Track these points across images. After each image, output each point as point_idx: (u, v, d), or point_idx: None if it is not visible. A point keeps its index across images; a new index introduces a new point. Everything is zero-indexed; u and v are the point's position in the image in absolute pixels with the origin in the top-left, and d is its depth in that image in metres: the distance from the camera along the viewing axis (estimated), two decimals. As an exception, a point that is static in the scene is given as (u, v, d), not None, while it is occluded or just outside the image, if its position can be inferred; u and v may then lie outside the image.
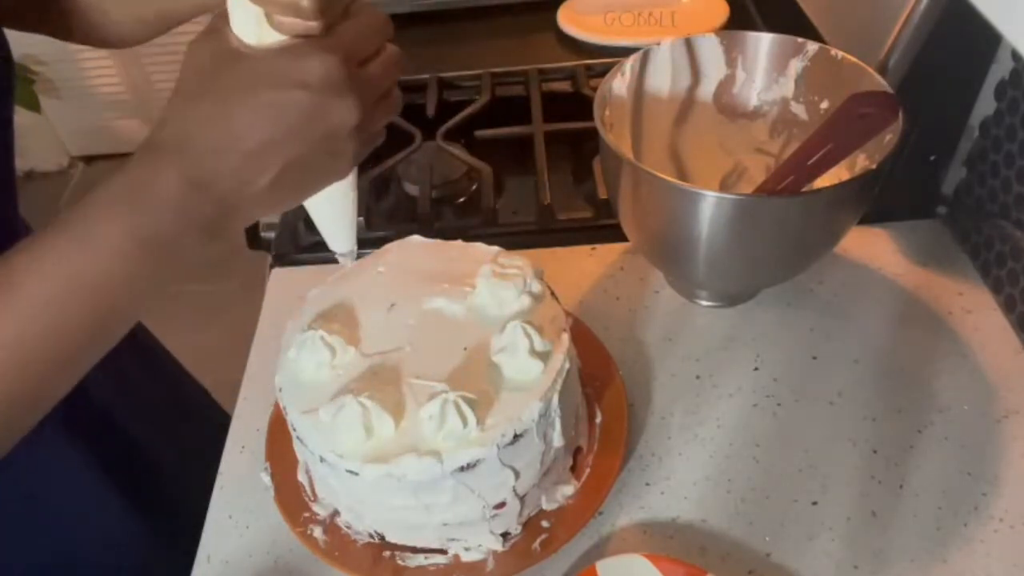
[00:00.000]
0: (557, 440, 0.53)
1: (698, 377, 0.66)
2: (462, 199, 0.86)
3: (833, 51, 0.66)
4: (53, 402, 0.40)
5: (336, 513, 0.56)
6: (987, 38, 0.65)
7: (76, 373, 0.40)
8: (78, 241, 0.36)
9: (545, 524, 0.55)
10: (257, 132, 0.37)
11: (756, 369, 0.66)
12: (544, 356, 0.52)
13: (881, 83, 0.62)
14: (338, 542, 0.55)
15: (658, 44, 0.70)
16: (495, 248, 0.59)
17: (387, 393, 0.50)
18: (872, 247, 0.75)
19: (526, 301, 0.55)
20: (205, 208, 0.37)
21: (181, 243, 0.38)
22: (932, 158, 0.73)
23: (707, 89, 0.72)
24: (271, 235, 0.84)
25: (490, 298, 0.55)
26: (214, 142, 0.37)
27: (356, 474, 0.48)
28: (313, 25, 0.37)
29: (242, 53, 0.37)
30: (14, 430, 0.39)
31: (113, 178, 0.37)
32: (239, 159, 0.37)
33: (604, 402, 0.61)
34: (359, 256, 0.60)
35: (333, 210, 0.47)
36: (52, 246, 0.37)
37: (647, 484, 0.59)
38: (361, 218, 0.78)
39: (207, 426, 0.74)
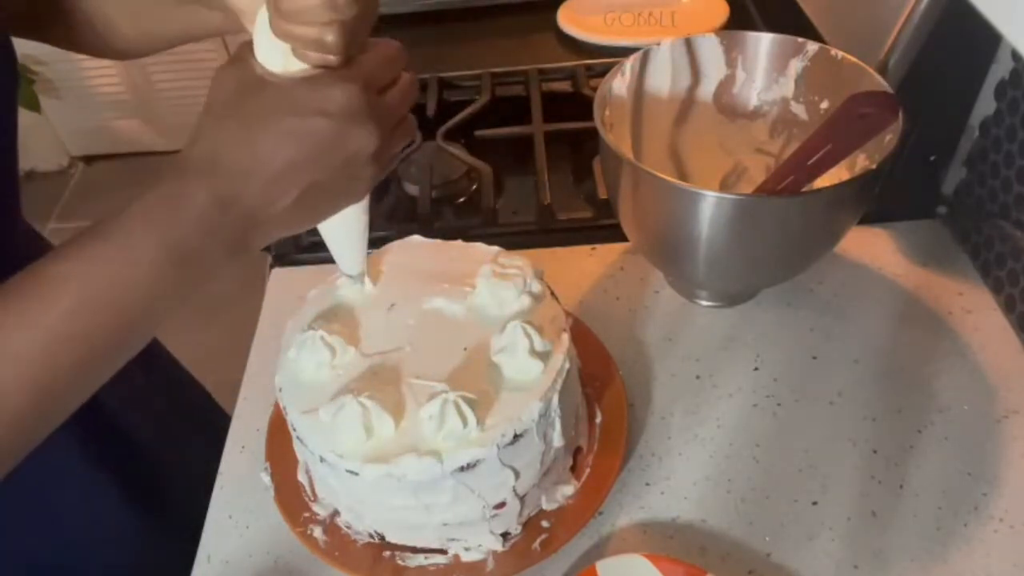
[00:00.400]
0: (557, 440, 0.53)
1: (698, 377, 0.66)
2: (462, 199, 0.86)
3: (833, 51, 0.66)
4: (68, 412, 0.41)
5: (336, 513, 0.56)
6: (987, 38, 0.65)
7: (95, 382, 0.41)
8: (115, 249, 0.38)
9: (545, 524, 0.55)
10: (280, 156, 0.39)
11: (756, 369, 0.66)
12: (544, 356, 0.52)
13: (881, 83, 0.62)
14: (338, 542, 0.55)
15: (658, 44, 0.70)
16: (495, 248, 0.59)
17: (387, 393, 0.50)
18: (872, 247, 0.75)
19: (526, 301, 0.55)
20: (230, 225, 0.39)
21: (207, 257, 0.39)
22: (932, 158, 0.73)
23: (707, 89, 0.72)
24: (271, 235, 0.84)
25: (490, 298, 0.55)
26: (241, 164, 0.39)
27: (356, 474, 0.48)
28: (333, 58, 0.39)
29: (267, 81, 0.40)
30: (33, 437, 0.40)
31: (146, 193, 0.39)
32: (263, 181, 0.39)
33: (604, 402, 0.61)
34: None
35: (345, 233, 0.49)
36: (90, 253, 0.38)
37: (647, 484, 0.59)
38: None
39: (207, 426, 0.74)
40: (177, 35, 0.59)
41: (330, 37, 0.38)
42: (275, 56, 0.40)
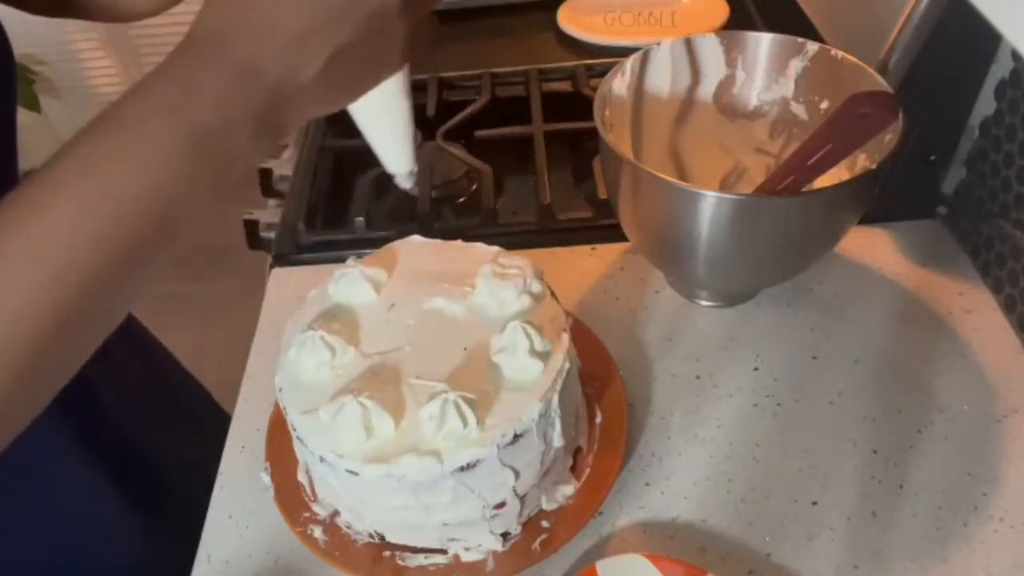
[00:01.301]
0: (557, 440, 0.53)
1: (698, 377, 0.66)
2: (462, 199, 0.87)
3: (833, 51, 0.66)
4: (104, 324, 0.37)
5: (336, 513, 0.56)
6: (987, 38, 0.65)
7: (130, 288, 0.36)
8: (125, 140, 0.34)
9: (545, 524, 0.55)
10: (298, 15, 0.35)
11: (756, 369, 0.66)
12: (544, 356, 0.52)
13: (881, 83, 0.62)
14: (338, 542, 0.55)
15: (658, 44, 0.70)
16: (495, 248, 0.59)
17: (387, 393, 0.50)
18: (872, 247, 0.75)
19: (526, 301, 0.55)
20: (254, 97, 0.36)
21: (231, 138, 0.36)
22: (932, 158, 0.73)
23: (707, 89, 0.72)
24: (271, 235, 0.84)
25: (490, 298, 0.55)
26: (256, 29, 0.36)
27: (356, 474, 0.48)
28: None
29: None
30: (66, 352, 0.36)
31: (155, 75, 0.35)
32: (282, 45, 0.36)
33: (604, 402, 0.61)
34: (359, 255, 0.60)
35: (388, 119, 0.45)
36: (97, 146, 0.34)
37: (647, 484, 0.59)
38: (361, 218, 0.78)
39: (207, 426, 0.74)
40: None
41: None
42: None
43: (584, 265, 0.76)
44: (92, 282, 0.34)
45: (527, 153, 0.85)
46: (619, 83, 0.68)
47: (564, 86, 0.97)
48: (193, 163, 0.35)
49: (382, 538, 0.55)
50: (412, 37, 0.39)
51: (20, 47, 0.56)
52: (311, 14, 0.35)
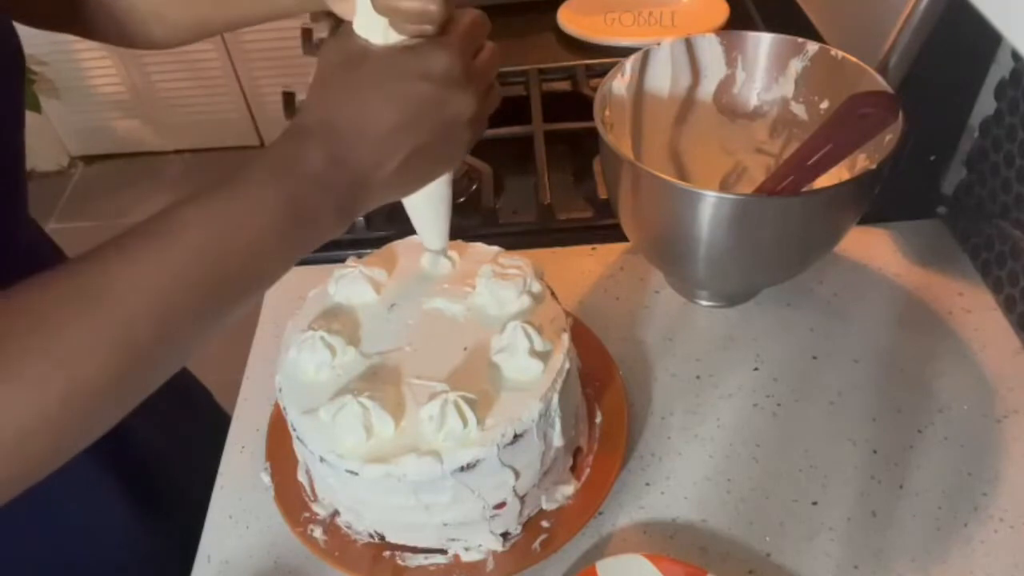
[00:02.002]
0: (557, 440, 0.53)
1: (698, 377, 0.66)
2: (462, 199, 0.86)
3: (833, 51, 0.66)
4: (172, 367, 0.40)
5: (336, 513, 0.56)
6: (987, 38, 0.65)
7: (206, 334, 0.40)
8: (240, 199, 0.39)
9: (545, 524, 0.55)
10: (387, 119, 0.41)
11: (756, 369, 0.66)
12: (544, 356, 0.52)
13: (881, 83, 0.62)
14: (338, 542, 0.55)
15: (658, 44, 0.70)
16: (495, 248, 0.59)
17: (387, 393, 0.50)
18: (872, 247, 0.75)
19: (526, 301, 0.55)
20: (343, 184, 0.41)
21: (320, 215, 0.40)
22: (932, 158, 0.73)
23: (707, 89, 0.72)
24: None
25: (490, 298, 0.55)
26: (352, 125, 0.41)
27: (356, 474, 0.48)
28: (431, 28, 0.41)
29: (370, 51, 0.42)
30: (152, 373, 0.39)
31: (263, 153, 0.40)
32: (372, 142, 0.41)
33: (604, 402, 0.61)
34: (359, 255, 0.60)
35: (433, 206, 0.50)
36: (213, 201, 0.38)
37: (647, 484, 0.59)
38: (361, 218, 0.78)
39: (207, 426, 0.74)
40: (237, 19, 0.59)
41: (433, 7, 0.39)
42: (375, 30, 0.41)
43: (584, 265, 0.76)
44: (177, 326, 0.38)
45: (527, 153, 0.85)
46: (619, 83, 0.68)
47: (564, 86, 0.97)
48: (287, 229, 0.39)
49: (382, 538, 0.55)
50: (474, 137, 0.44)
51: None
52: (399, 119, 0.41)
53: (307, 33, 0.92)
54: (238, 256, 0.39)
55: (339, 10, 0.47)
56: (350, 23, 0.43)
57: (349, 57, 0.42)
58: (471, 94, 0.42)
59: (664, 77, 0.71)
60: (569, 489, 0.56)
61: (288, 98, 0.91)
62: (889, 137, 0.59)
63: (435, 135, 0.42)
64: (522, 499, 0.53)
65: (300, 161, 0.40)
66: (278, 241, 0.40)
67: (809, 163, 0.59)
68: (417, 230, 0.52)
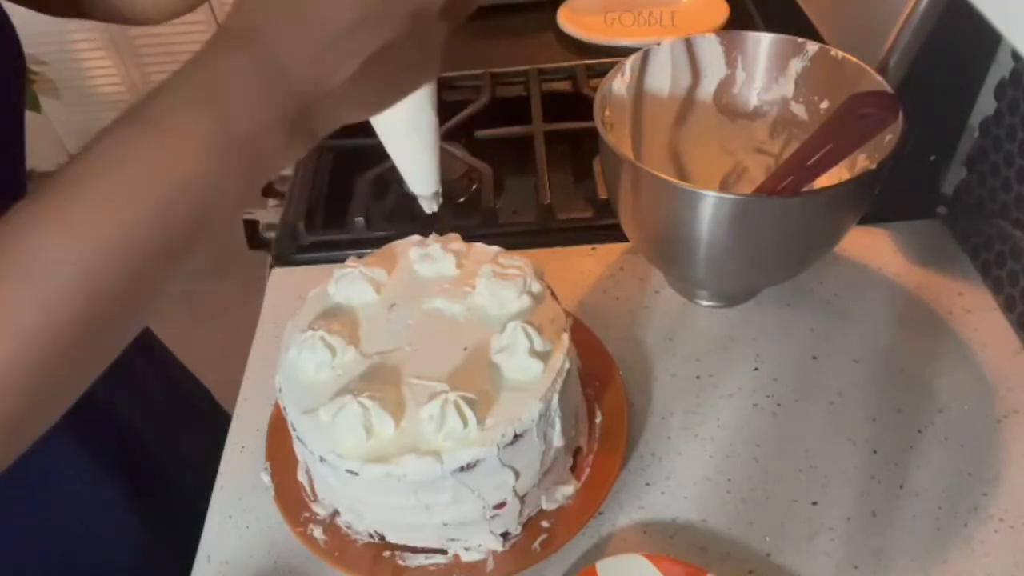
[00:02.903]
0: (557, 440, 0.53)
1: (698, 377, 0.66)
2: (462, 199, 0.86)
3: (833, 51, 0.66)
4: (123, 337, 0.36)
5: (336, 513, 0.56)
6: (987, 38, 0.65)
7: (144, 302, 0.35)
8: (155, 138, 0.33)
9: (545, 524, 0.55)
10: (336, 14, 0.34)
11: (756, 369, 0.66)
12: (544, 356, 0.52)
13: (881, 83, 0.62)
14: (338, 542, 0.55)
15: (658, 44, 0.70)
16: (495, 248, 0.59)
17: (387, 393, 0.50)
18: (872, 247, 0.75)
19: (526, 301, 0.55)
20: (285, 101, 0.34)
21: (261, 140, 0.34)
22: (932, 158, 0.73)
23: (707, 89, 0.72)
24: (271, 235, 0.84)
25: (490, 298, 0.55)
26: (289, 27, 0.34)
27: (356, 474, 0.48)
28: None
29: None
30: (84, 360, 0.34)
31: (184, 73, 0.34)
32: (317, 45, 0.34)
33: (604, 402, 0.61)
34: (359, 255, 0.60)
35: (414, 137, 0.44)
36: (126, 146, 0.33)
37: (647, 484, 0.59)
38: (361, 218, 0.78)
39: (208, 426, 0.74)
40: None
41: None
42: None
43: (584, 265, 0.76)
44: (115, 288, 0.33)
45: (527, 153, 0.85)
46: (619, 83, 0.68)
47: (564, 86, 0.97)
48: (222, 166, 0.34)
49: (382, 538, 0.55)
50: (449, 34, 0.37)
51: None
52: (349, 14, 0.34)
53: (251, 225, 0.90)
54: (168, 210, 0.33)
55: None
56: None
57: None
58: None
59: (664, 77, 0.71)
60: (569, 489, 0.56)
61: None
62: (889, 137, 0.59)
63: (400, 32, 0.35)
64: (522, 499, 0.53)
65: (228, 78, 0.33)
66: (215, 185, 0.34)
67: (809, 163, 0.59)
68: (400, 169, 0.46)
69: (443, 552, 0.54)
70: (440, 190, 0.48)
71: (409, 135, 0.44)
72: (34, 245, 0.31)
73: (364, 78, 0.35)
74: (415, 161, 0.45)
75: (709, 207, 0.58)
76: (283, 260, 0.79)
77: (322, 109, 0.35)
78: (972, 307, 0.69)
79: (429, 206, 0.48)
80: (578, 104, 0.87)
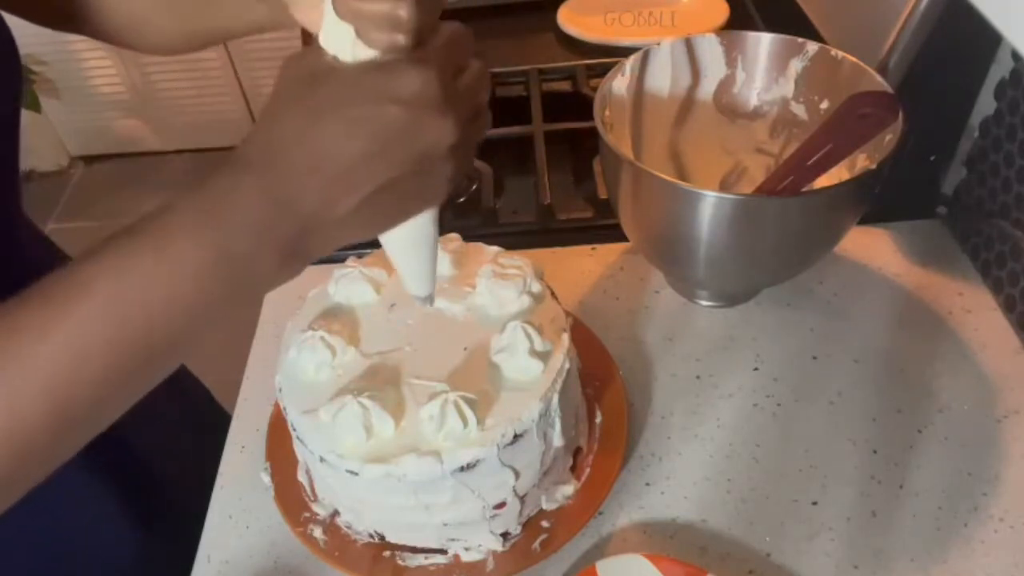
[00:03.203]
0: (557, 440, 0.53)
1: (698, 377, 0.66)
2: (462, 199, 0.86)
3: (833, 51, 0.66)
4: (89, 436, 0.37)
5: (336, 513, 0.56)
6: (987, 38, 0.65)
7: (121, 403, 0.37)
8: (151, 252, 0.34)
9: (545, 524, 0.55)
10: (347, 150, 0.35)
11: (756, 369, 0.66)
12: (544, 356, 0.52)
13: (881, 83, 0.62)
14: (338, 542, 0.55)
15: (658, 44, 0.70)
16: (495, 248, 0.59)
17: (387, 393, 0.50)
18: (872, 247, 0.75)
19: (526, 301, 0.55)
20: (285, 228, 0.35)
21: (256, 263, 0.36)
22: (932, 158, 0.73)
23: (707, 89, 0.72)
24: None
25: (490, 298, 0.55)
26: (301, 159, 0.35)
27: (356, 474, 0.48)
28: (403, 39, 0.35)
29: (335, 68, 0.36)
30: (48, 461, 0.37)
31: (194, 189, 0.35)
32: (326, 178, 0.35)
33: (604, 402, 0.61)
34: (360, 255, 0.60)
35: (414, 248, 0.44)
36: (125, 254, 0.34)
37: (647, 484, 0.59)
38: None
39: (208, 426, 0.74)
40: (219, 31, 0.56)
41: (403, 12, 0.34)
42: (343, 42, 0.36)
43: (584, 265, 0.76)
44: (97, 385, 0.34)
45: (527, 153, 0.85)
46: (619, 83, 0.68)
47: (564, 86, 0.97)
48: (214, 283, 0.35)
49: (382, 538, 0.55)
50: (456, 173, 0.38)
51: (21, 47, 0.56)
52: (361, 150, 0.35)
53: (308, 36, 0.92)
54: (151, 317, 0.34)
55: (305, 20, 0.41)
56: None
57: (311, 74, 0.36)
58: (450, 120, 0.35)
59: (664, 77, 0.71)
60: (569, 489, 0.56)
61: None
62: (889, 137, 0.59)
63: (406, 169, 0.36)
64: (522, 499, 0.53)
65: (232, 203, 0.34)
66: (203, 295, 0.35)
67: (809, 163, 0.59)
68: (398, 271, 0.46)
69: (443, 552, 0.54)
70: (434, 294, 0.48)
71: (408, 247, 0.44)
72: (28, 336, 0.33)
73: (368, 207, 0.36)
74: (412, 268, 0.46)
75: (709, 207, 0.58)
76: (283, 260, 0.79)
77: (321, 235, 0.37)
78: (972, 307, 0.69)
79: (423, 305, 0.48)
80: (578, 104, 0.87)
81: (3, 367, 0.33)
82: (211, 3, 0.54)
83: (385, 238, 0.42)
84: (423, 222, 0.41)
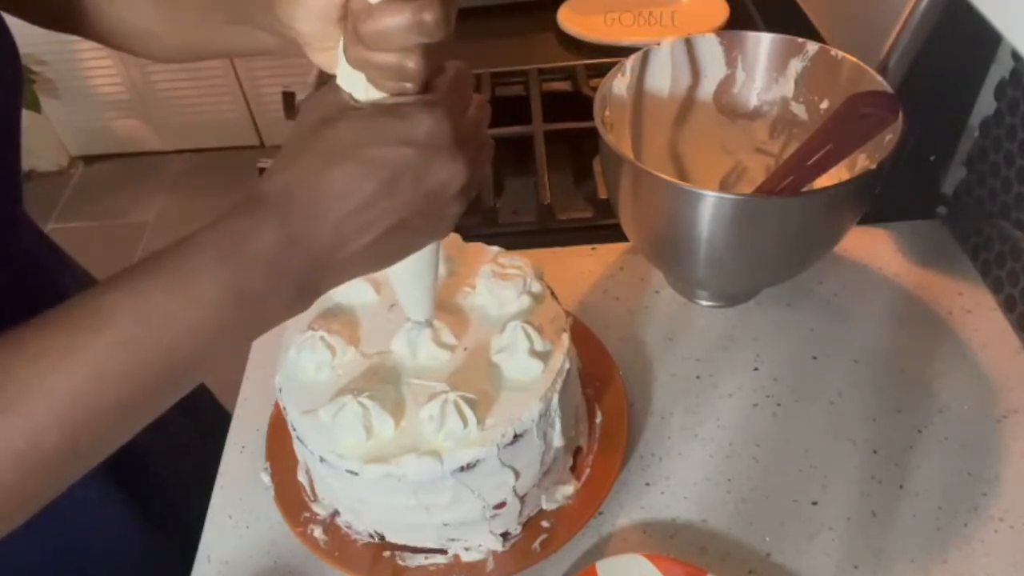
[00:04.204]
0: (557, 440, 0.53)
1: (698, 377, 0.66)
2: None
3: (833, 51, 0.66)
4: (104, 455, 0.39)
5: (336, 513, 0.56)
6: (987, 38, 0.65)
7: (136, 425, 0.39)
8: (169, 285, 0.35)
9: (545, 524, 0.55)
10: (359, 191, 0.36)
11: (756, 369, 0.66)
12: (544, 356, 0.52)
13: (881, 83, 0.62)
14: (338, 542, 0.55)
15: (658, 44, 0.70)
16: (495, 248, 0.59)
17: (387, 393, 0.50)
18: (872, 247, 0.75)
19: (526, 301, 0.55)
20: (299, 266, 0.36)
21: (271, 299, 0.37)
22: (932, 158, 0.73)
23: (707, 89, 0.72)
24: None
25: (490, 298, 0.55)
26: (316, 199, 0.36)
27: (356, 474, 0.48)
28: (411, 88, 0.37)
29: (348, 109, 0.37)
30: (63, 480, 0.38)
31: (212, 225, 0.36)
32: (339, 218, 0.36)
33: (604, 402, 0.61)
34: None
35: (416, 276, 0.46)
36: (143, 287, 0.35)
37: (647, 484, 0.59)
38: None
39: (208, 426, 0.74)
40: (223, 51, 0.56)
41: (412, 64, 0.35)
42: (356, 82, 0.37)
43: (584, 265, 0.76)
44: (112, 412, 0.36)
45: (527, 153, 0.85)
46: (619, 83, 0.68)
47: (564, 86, 0.97)
48: (229, 318, 0.36)
49: (382, 538, 0.55)
50: (464, 207, 0.40)
51: (21, 47, 0.56)
52: (373, 191, 0.36)
53: (288, 97, 0.90)
54: (168, 348, 0.35)
55: (320, 61, 0.42)
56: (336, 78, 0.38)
57: (326, 115, 0.37)
58: (460, 160, 0.37)
59: (664, 77, 0.71)
60: (569, 489, 0.56)
61: (288, 98, 0.91)
62: (889, 137, 0.59)
63: (415, 209, 0.37)
64: (522, 499, 0.53)
65: (249, 240, 0.35)
66: (218, 329, 0.36)
67: (809, 163, 0.59)
68: (398, 296, 0.48)
69: (443, 552, 0.54)
70: (433, 317, 0.50)
71: (411, 277, 0.45)
72: (44, 364, 0.34)
73: (379, 244, 0.37)
74: (413, 295, 0.47)
75: (709, 207, 0.58)
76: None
77: (333, 271, 0.38)
78: (972, 307, 0.69)
79: (420, 327, 0.51)
80: (578, 104, 0.87)
81: (21, 393, 0.34)
82: (217, 28, 0.54)
83: (390, 269, 0.43)
84: (426, 253, 0.42)
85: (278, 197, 0.36)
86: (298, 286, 0.37)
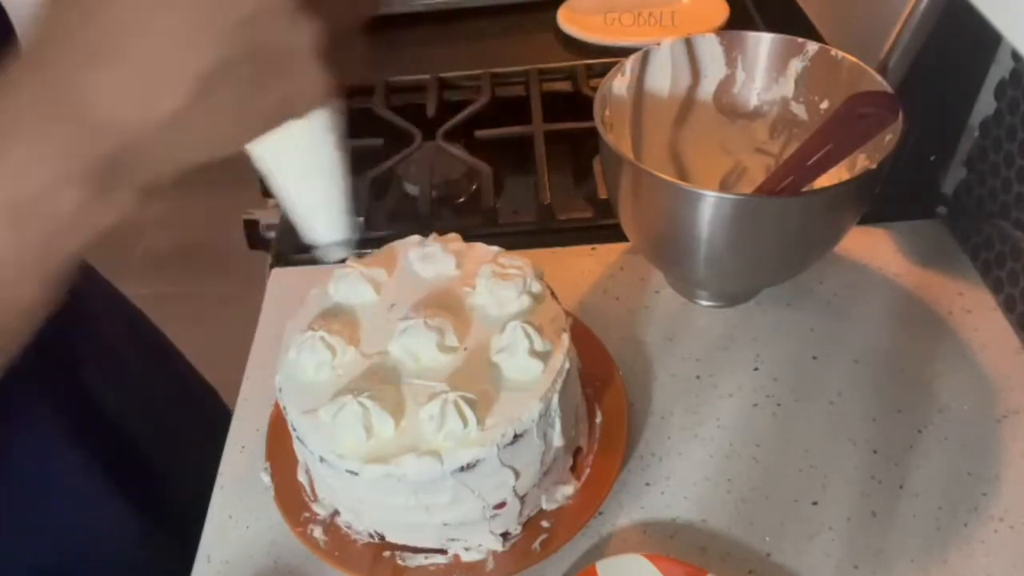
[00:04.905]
0: (557, 440, 0.53)
1: (698, 377, 0.66)
2: (462, 199, 0.86)
3: (833, 51, 0.66)
4: None
5: (336, 513, 0.56)
6: (987, 38, 0.65)
7: None
8: None
9: (545, 524, 0.55)
10: (157, 21, 0.25)
11: (756, 369, 0.66)
12: (544, 356, 0.52)
13: (881, 83, 0.62)
14: (338, 542, 0.55)
15: (658, 44, 0.70)
16: (495, 248, 0.59)
17: (387, 393, 0.50)
18: (872, 247, 0.75)
19: (526, 301, 0.55)
20: (84, 149, 0.26)
21: (58, 202, 0.27)
22: (932, 158, 0.73)
23: (707, 89, 0.72)
24: (271, 235, 0.84)
25: (490, 298, 0.55)
26: (92, 43, 0.26)
27: (356, 474, 0.48)
28: None
29: None
30: None
31: None
32: (131, 66, 0.26)
33: (604, 402, 0.61)
34: (360, 255, 0.60)
35: (305, 178, 0.36)
36: None
37: (647, 484, 0.59)
38: (361, 218, 0.78)
39: (209, 425, 0.74)
40: None
41: None
42: None
43: (584, 265, 0.76)
44: None
45: (527, 153, 0.85)
46: (619, 83, 0.68)
47: (564, 86, 0.97)
48: (9, 241, 0.27)
49: (382, 538, 0.55)
50: (332, 56, 0.28)
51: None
52: (175, 19, 0.25)
53: (251, 225, 0.85)
54: None
55: None
56: None
57: None
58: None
59: (664, 77, 0.71)
60: (569, 489, 0.56)
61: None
62: (889, 137, 0.59)
63: (238, 42, 0.26)
64: (522, 499, 0.53)
65: (4, 129, 0.26)
66: (6, 269, 0.27)
67: (809, 163, 0.59)
68: (290, 214, 0.37)
69: (443, 552, 0.54)
70: (344, 238, 0.39)
71: (301, 174, 0.35)
72: None
73: (203, 109, 0.27)
74: (309, 205, 0.36)
75: (709, 207, 0.58)
76: (283, 260, 0.79)
77: (146, 152, 0.27)
78: (972, 307, 0.69)
79: (331, 252, 0.39)
80: (578, 104, 0.87)
81: None
82: None
83: (266, 163, 0.33)
84: (314, 137, 0.33)
85: (39, 55, 0.27)
86: (95, 176, 0.27)
